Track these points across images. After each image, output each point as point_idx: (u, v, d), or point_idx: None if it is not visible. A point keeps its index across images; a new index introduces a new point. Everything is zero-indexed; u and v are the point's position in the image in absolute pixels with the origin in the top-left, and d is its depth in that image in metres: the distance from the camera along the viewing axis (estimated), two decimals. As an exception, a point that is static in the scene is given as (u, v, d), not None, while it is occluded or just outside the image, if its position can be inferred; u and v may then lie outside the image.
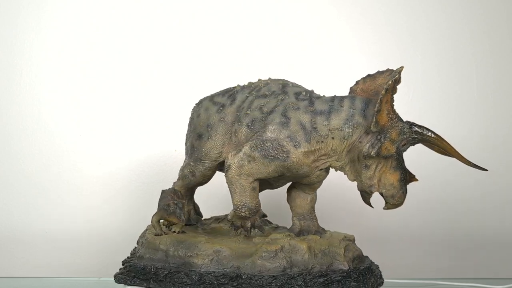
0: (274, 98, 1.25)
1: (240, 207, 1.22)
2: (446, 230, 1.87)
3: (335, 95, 1.26)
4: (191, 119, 1.35)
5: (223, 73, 1.86)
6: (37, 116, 1.85)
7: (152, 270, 1.22)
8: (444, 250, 1.86)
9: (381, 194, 1.23)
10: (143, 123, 1.86)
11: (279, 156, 1.19)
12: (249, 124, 1.24)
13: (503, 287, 1.49)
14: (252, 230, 1.26)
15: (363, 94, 1.25)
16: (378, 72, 1.26)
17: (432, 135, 1.22)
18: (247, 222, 1.25)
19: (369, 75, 1.26)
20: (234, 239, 1.26)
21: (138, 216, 1.73)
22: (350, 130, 1.19)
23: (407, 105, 1.87)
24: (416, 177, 1.27)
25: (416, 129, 1.21)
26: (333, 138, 1.19)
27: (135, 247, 1.35)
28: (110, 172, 1.84)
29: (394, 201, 1.23)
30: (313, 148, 1.19)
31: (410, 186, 1.85)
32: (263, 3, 1.91)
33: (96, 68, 1.87)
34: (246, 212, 1.22)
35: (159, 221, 1.31)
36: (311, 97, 1.24)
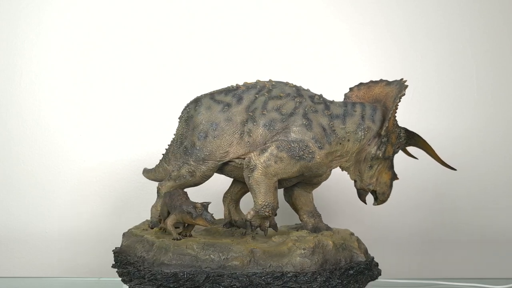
0: (291, 100, 1.28)
1: (264, 206, 1.23)
2: (446, 230, 1.87)
3: (345, 101, 1.35)
4: (189, 117, 1.32)
5: (222, 73, 1.86)
6: (37, 116, 1.85)
7: (185, 276, 1.17)
8: (444, 250, 1.86)
9: (374, 191, 1.35)
10: (144, 123, 1.86)
11: (305, 157, 1.24)
12: (267, 124, 1.26)
13: (503, 287, 1.49)
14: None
15: (358, 100, 1.36)
16: (372, 82, 1.37)
17: (421, 140, 1.35)
18: (266, 221, 1.26)
19: (362, 83, 1.38)
20: (244, 239, 1.26)
21: (139, 216, 1.73)
22: (363, 134, 1.28)
23: (407, 105, 1.87)
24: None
25: (409, 134, 1.35)
26: (348, 140, 1.28)
27: (140, 256, 1.26)
28: (110, 172, 1.84)
29: (384, 198, 1.36)
30: (333, 150, 1.27)
31: (411, 186, 1.86)
32: (262, 3, 1.91)
33: (96, 68, 1.87)
34: (270, 212, 1.24)
35: (174, 225, 1.25)
36: (324, 101, 1.31)
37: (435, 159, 1.37)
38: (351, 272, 1.23)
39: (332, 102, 1.32)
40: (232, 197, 1.41)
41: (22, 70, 1.86)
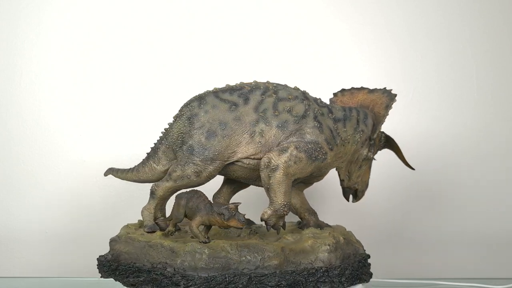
0: (300, 102, 1.30)
1: (283, 206, 1.25)
2: (445, 230, 1.87)
3: (341, 105, 1.40)
4: (192, 115, 1.28)
5: (222, 73, 1.86)
6: (37, 116, 1.85)
7: (226, 279, 1.15)
8: (444, 249, 1.86)
9: (356, 189, 1.43)
10: (144, 123, 1.86)
11: (319, 157, 1.27)
12: (280, 125, 1.27)
13: (503, 287, 1.49)
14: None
15: (342, 105, 1.42)
16: (354, 88, 1.43)
17: (394, 143, 1.44)
18: (280, 220, 1.28)
19: (344, 89, 1.44)
20: (252, 237, 1.28)
21: (139, 216, 1.73)
22: (359, 136, 1.34)
23: (407, 105, 1.87)
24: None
25: (387, 137, 1.44)
26: (348, 142, 1.33)
27: (161, 262, 1.20)
28: (110, 172, 1.84)
29: (362, 195, 1.45)
30: (338, 151, 1.32)
31: (412, 185, 1.86)
32: (262, 3, 1.91)
33: (96, 68, 1.87)
34: (287, 211, 1.26)
35: (198, 227, 1.21)
36: (326, 104, 1.35)
37: (401, 159, 1.46)
38: (360, 264, 1.29)
39: (333, 106, 1.36)
40: (224, 198, 1.41)
41: (22, 70, 1.86)
